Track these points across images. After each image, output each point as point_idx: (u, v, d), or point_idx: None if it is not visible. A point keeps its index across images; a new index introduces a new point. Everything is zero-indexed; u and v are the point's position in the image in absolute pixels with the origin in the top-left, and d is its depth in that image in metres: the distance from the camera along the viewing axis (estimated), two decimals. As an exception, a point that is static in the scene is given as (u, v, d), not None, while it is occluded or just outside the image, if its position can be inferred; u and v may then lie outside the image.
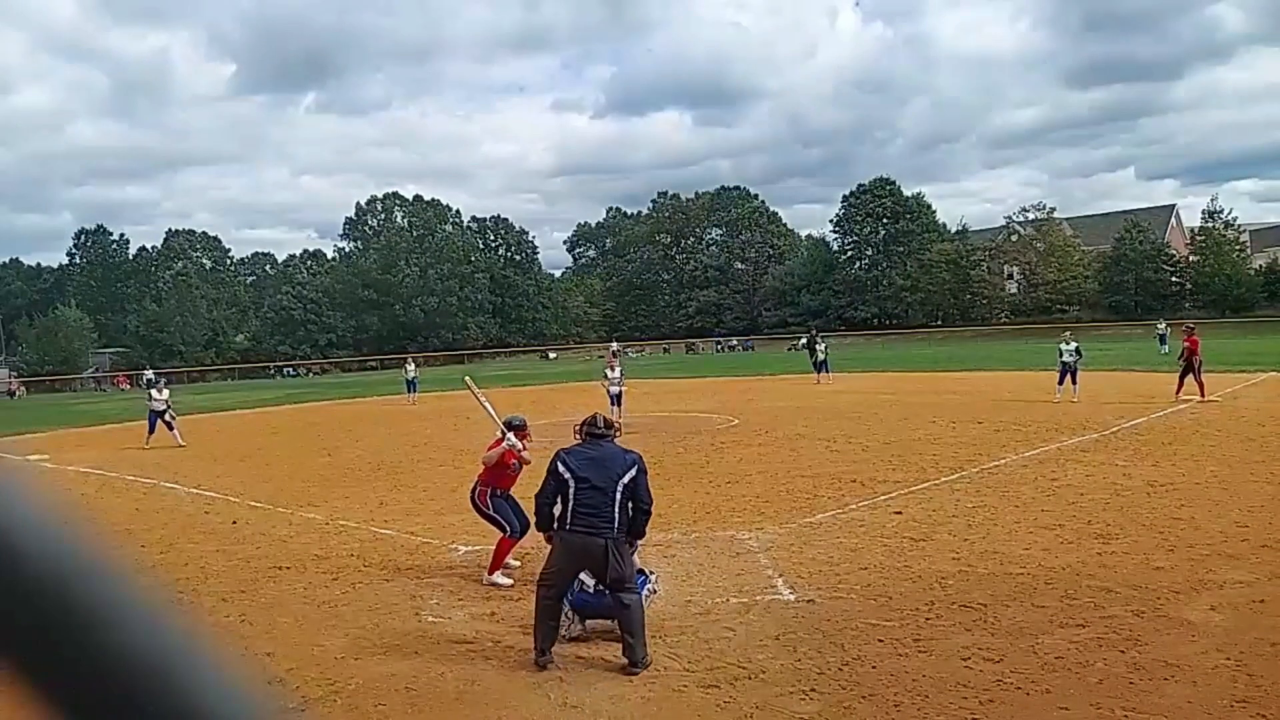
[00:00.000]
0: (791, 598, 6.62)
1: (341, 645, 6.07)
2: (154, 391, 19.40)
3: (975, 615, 6.03)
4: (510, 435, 7.69)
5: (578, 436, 5.99)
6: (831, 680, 5.09)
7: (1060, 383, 19.13)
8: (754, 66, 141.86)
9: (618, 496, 5.51)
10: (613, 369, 19.98)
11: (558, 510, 5.66)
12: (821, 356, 29.41)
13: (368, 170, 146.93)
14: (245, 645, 6.05)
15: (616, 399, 19.25)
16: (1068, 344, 19.47)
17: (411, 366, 30.76)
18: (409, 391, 29.51)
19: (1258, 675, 4.83)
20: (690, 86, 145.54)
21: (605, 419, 6.04)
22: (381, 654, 5.89)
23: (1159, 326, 37.05)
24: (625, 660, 5.42)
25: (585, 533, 5.48)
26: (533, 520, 6.20)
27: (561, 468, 5.66)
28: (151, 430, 18.80)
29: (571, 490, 5.56)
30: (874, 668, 5.23)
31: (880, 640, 5.66)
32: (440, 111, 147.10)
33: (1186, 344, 18.78)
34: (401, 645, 6.03)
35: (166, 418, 18.89)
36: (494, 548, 7.48)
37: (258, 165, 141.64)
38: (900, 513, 9.20)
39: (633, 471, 5.61)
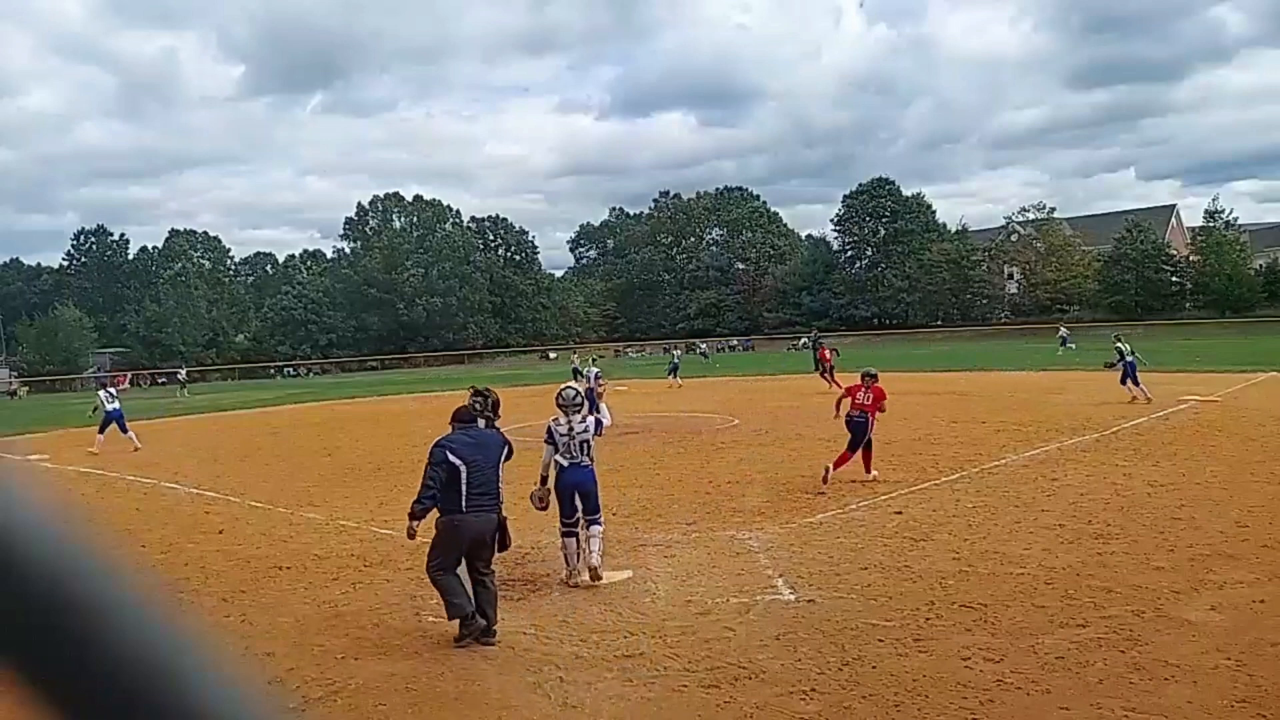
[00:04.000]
0: (791, 598, 6.62)
1: (341, 645, 6.07)
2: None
3: (975, 615, 6.03)
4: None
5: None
6: (831, 680, 5.09)
7: (1137, 383, 18.50)
8: (758, 67, 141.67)
9: (500, 474, 6.04)
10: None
11: (445, 496, 5.90)
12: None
13: (372, 171, 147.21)
14: (245, 645, 6.05)
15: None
16: (1124, 343, 19.11)
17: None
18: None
19: (1258, 675, 4.83)
20: (695, 87, 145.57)
21: (480, 393, 6.40)
22: (381, 654, 5.89)
23: (1061, 331, 43.22)
24: (483, 632, 5.76)
25: (482, 511, 5.87)
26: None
27: (451, 456, 5.88)
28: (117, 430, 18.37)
29: (464, 475, 5.83)
30: (874, 668, 5.23)
31: (880, 640, 5.65)
32: (445, 112, 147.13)
33: (820, 354, 26.90)
34: (401, 645, 6.02)
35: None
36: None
37: (262, 166, 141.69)
38: (900, 513, 9.20)
39: (505, 450, 6.14)
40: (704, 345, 60.95)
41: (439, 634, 6.20)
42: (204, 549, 9.17)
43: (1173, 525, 8.17)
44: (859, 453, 10.93)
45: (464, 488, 5.84)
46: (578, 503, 7.22)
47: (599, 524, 7.32)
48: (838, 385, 23.39)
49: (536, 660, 5.59)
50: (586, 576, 7.12)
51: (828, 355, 27.04)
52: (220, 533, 9.99)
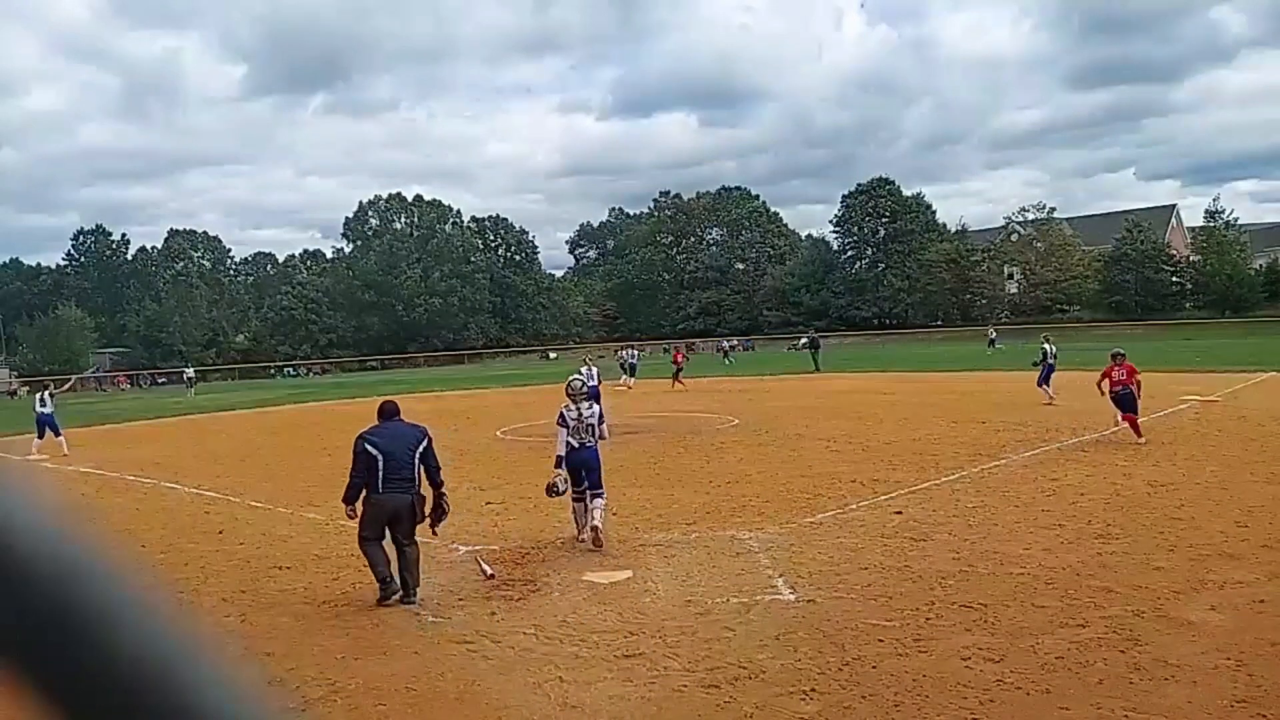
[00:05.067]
0: (791, 598, 6.62)
1: (341, 645, 6.07)
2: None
3: (975, 615, 6.03)
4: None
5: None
6: (831, 680, 5.09)
7: (1046, 384, 18.96)
8: (760, 68, 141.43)
9: (415, 463, 6.99)
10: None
11: (368, 479, 6.93)
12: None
13: (373, 171, 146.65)
14: (245, 645, 6.05)
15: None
16: (1050, 344, 19.49)
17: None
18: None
19: (1258, 675, 4.83)
20: (697, 88, 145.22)
21: (391, 403, 7.50)
22: (381, 654, 5.89)
23: (990, 333, 46.70)
24: (400, 594, 6.75)
25: (396, 493, 6.86)
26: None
27: (370, 448, 6.94)
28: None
29: (381, 464, 6.87)
30: (874, 668, 5.23)
31: (880, 640, 5.65)
32: (447, 113, 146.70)
33: (675, 359, 31.45)
34: (401, 645, 6.03)
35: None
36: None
37: (264, 166, 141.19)
38: (901, 513, 9.20)
39: (425, 443, 7.12)
40: (729, 344, 59.30)
41: (439, 634, 6.21)
42: (204, 549, 9.17)
43: (1173, 525, 8.17)
44: (1126, 415, 13.34)
45: (381, 473, 6.85)
46: (584, 476, 8.48)
47: (601, 496, 8.54)
48: (682, 385, 28.77)
49: (536, 660, 5.59)
50: (590, 535, 8.30)
51: (680, 359, 31.44)
52: (220, 533, 9.99)
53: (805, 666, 5.30)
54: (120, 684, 0.37)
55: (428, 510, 7.03)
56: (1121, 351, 13.91)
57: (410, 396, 31.23)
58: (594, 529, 8.24)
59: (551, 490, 8.37)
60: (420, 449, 7.07)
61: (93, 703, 0.36)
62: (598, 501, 8.44)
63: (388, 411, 7.40)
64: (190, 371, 49.73)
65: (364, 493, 6.95)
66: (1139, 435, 12.99)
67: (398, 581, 6.79)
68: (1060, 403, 17.99)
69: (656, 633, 5.92)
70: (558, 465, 8.45)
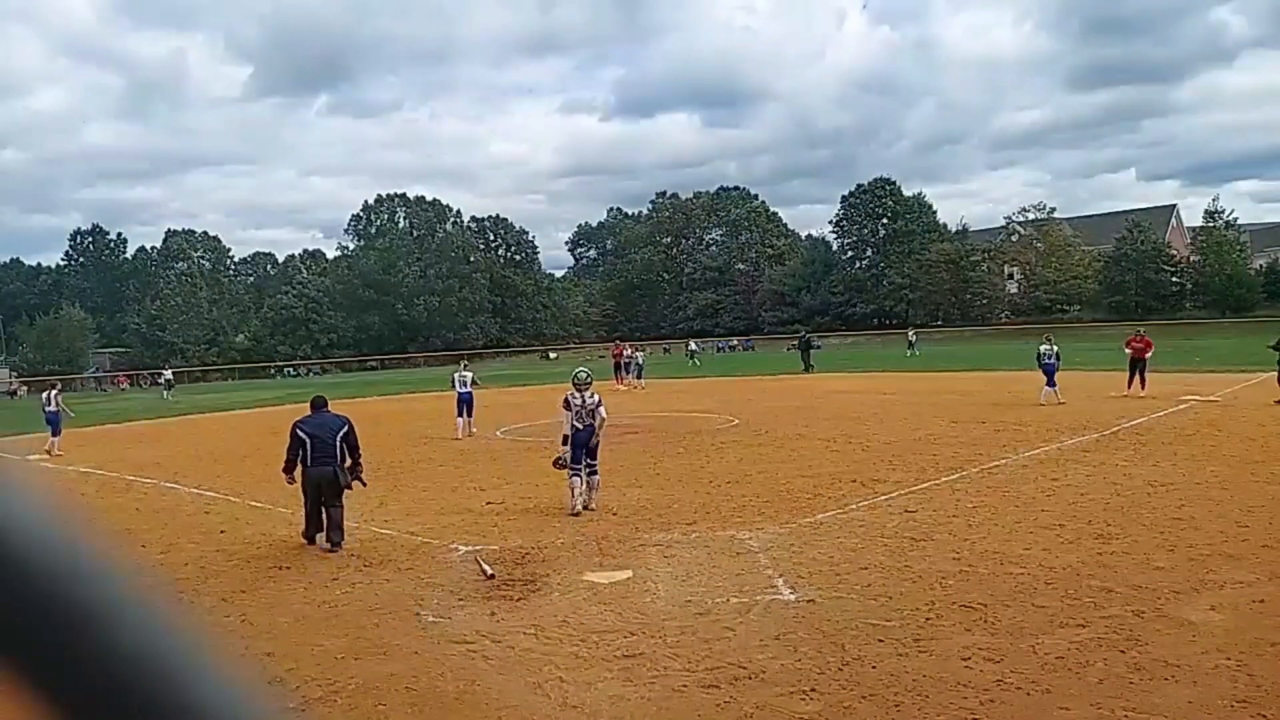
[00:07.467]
0: (791, 598, 6.62)
1: (341, 645, 6.07)
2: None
3: (975, 615, 6.03)
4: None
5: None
6: (831, 680, 5.09)
7: (1051, 385, 18.67)
8: (762, 69, 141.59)
9: (338, 443, 8.79)
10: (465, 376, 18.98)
11: (301, 456, 8.81)
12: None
13: (375, 171, 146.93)
14: (245, 645, 6.04)
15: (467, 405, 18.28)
16: (1050, 345, 19.21)
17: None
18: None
19: (1258, 675, 4.83)
20: (699, 88, 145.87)
21: (320, 398, 9.38)
22: (381, 654, 5.89)
23: (910, 335, 48.01)
24: (329, 544, 8.58)
25: (322, 467, 8.69)
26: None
27: (300, 432, 8.86)
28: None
29: (309, 445, 8.74)
30: (874, 668, 5.23)
31: (880, 640, 5.65)
32: (450, 113, 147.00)
33: (615, 353, 32.21)
34: (401, 645, 6.02)
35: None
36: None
37: (267, 166, 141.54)
38: (901, 512, 9.20)
39: (345, 428, 8.90)
40: (695, 344, 54.87)
41: (439, 634, 6.21)
42: (204, 549, 9.17)
43: (1173, 525, 8.17)
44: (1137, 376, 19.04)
45: (309, 452, 8.71)
46: (583, 452, 9.86)
47: (597, 474, 10.05)
48: (619, 383, 29.10)
49: (536, 660, 5.59)
50: (583, 506, 9.77)
51: (619, 353, 31.85)
52: (220, 533, 9.98)
53: (805, 666, 5.30)
54: (120, 684, 0.36)
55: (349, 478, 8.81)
56: (1140, 330, 20.46)
57: (410, 396, 31.24)
58: (588, 507, 9.81)
59: (558, 463, 10.04)
60: (342, 433, 8.83)
61: (92, 702, 0.36)
62: (594, 480, 10.00)
63: (317, 404, 9.20)
64: (168, 374, 46.82)
65: (300, 467, 8.79)
66: (1144, 388, 18.63)
67: (320, 540, 8.67)
68: (1066, 404, 17.98)
69: (656, 633, 5.92)
70: (564, 442, 9.96)
